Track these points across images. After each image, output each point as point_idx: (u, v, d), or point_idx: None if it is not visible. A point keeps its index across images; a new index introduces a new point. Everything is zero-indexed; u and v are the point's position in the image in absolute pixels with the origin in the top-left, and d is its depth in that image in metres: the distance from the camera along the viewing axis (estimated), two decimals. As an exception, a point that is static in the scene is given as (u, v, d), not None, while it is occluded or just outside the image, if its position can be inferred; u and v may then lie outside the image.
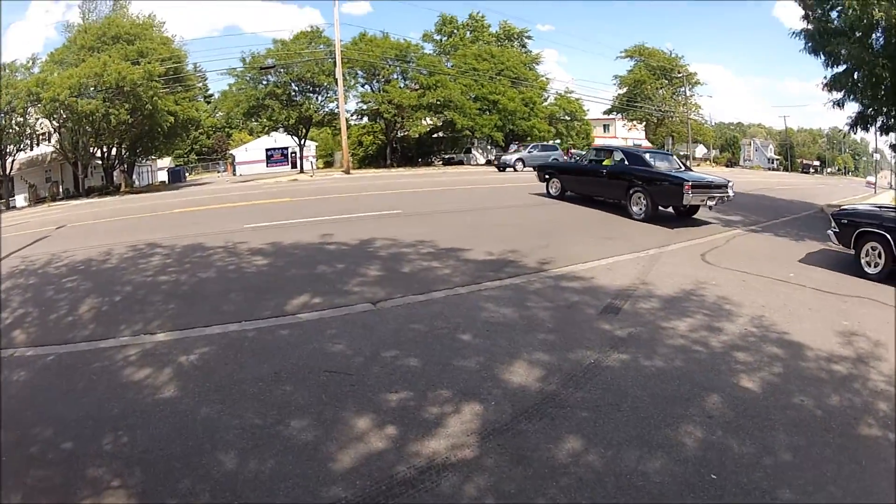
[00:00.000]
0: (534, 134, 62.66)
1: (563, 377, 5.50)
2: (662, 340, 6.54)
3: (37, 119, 48.70)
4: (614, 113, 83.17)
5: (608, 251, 11.46)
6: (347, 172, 47.66)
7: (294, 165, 73.16)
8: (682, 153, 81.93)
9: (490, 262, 10.36)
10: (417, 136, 65.31)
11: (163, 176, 72.48)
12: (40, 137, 52.31)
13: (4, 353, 6.94)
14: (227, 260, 11.34)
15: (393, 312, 7.53)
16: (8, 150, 50.09)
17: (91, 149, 50.19)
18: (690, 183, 15.48)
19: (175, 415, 5.02)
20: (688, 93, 79.68)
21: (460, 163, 64.11)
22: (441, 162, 65.99)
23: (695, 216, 17.61)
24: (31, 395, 5.80)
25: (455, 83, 59.05)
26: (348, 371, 5.67)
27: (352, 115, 62.14)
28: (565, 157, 43.25)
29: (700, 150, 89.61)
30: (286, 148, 75.41)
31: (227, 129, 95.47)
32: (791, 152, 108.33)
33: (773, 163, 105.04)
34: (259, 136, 76.86)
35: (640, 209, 16.56)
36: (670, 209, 17.36)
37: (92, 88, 43.27)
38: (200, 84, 62.38)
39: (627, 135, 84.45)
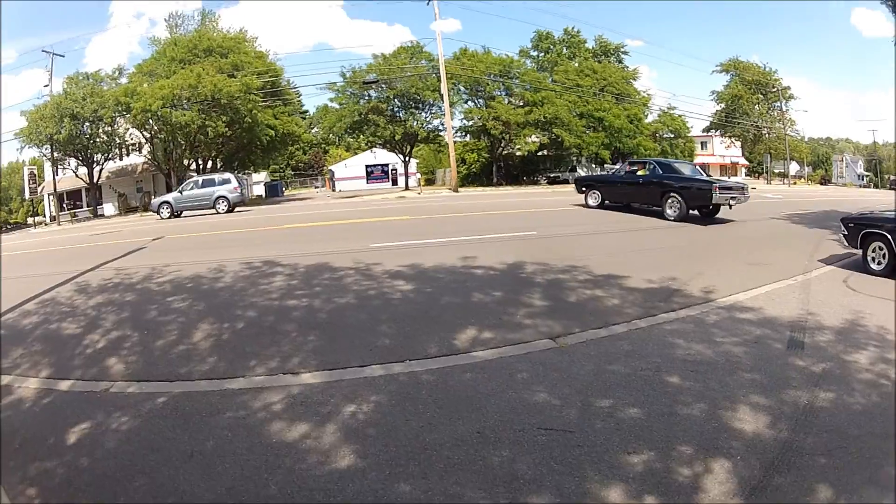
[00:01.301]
0: (639, 152, 61.38)
1: (789, 421, 5.09)
2: (853, 375, 6.16)
3: (126, 129, 50.54)
4: (712, 130, 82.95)
5: (760, 278, 10.84)
6: (455, 190, 46.98)
7: (394, 182, 73.98)
8: (777, 171, 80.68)
9: (654, 292, 9.66)
10: (522, 153, 64.74)
11: (258, 190, 74.84)
12: (130, 147, 54.25)
13: (98, 386, 6.10)
14: (364, 284, 10.15)
15: (580, 350, 6.75)
16: (96, 159, 51.83)
17: (185, 160, 51.48)
18: (718, 185, 18.88)
19: (364, 495, 3.93)
20: (783, 108, 77.56)
21: (565, 182, 62.22)
22: (546, 181, 64.44)
23: (717, 216, 20.35)
24: (136, 454, 4.57)
25: (560, 99, 58.41)
26: (567, 428, 4.90)
27: (455, 132, 61.24)
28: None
29: (793, 168, 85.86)
30: (386, 164, 76.61)
31: (322, 145, 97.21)
32: (879, 167, 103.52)
33: (863, 179, 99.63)
34: (357, 153, 77.71)
35: (674, 211, 19.40)
36: (695, 211, 19.87)
37: (186, 100, 44.30)
38: (295, 100, 62.99)
39: (725, 152, 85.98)
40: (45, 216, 64.42)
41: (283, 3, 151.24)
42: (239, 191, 34.37)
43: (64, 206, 57.68)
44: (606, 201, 23.07)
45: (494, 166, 63.70)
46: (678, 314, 8.31)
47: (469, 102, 60.26)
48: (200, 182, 35.48)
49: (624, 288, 9.74)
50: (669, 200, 19.49)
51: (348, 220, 22.30)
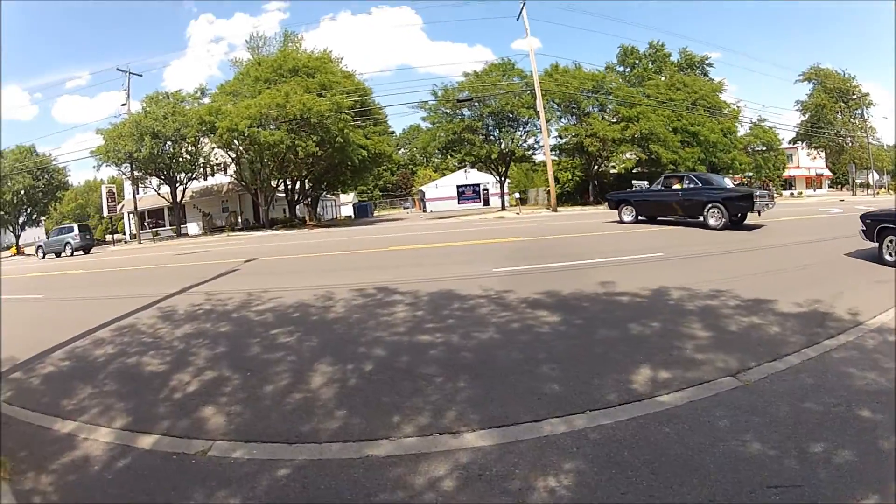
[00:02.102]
0: (735, 166, 60.55)
1: None
2: None
3: (212, 148, 51.47)
4: (798, 142, 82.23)
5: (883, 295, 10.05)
6: (554, 210, 45.86)
7: (486, 202, 73.92)
8: (859, 182, 79.95)
9: (806, 316, 8.83)
10: (619, 171, 62.89)
11: (346, 211, 75.65)
12: (215, 168, 55.23)
13: (191, 446, 4.95)
14: (503, 315, 8.79)
15: (767, 388, 6.08)
16: (179, 178, 52.78)
17: (273, 181, 51.90)
18: (757, 194, 20.99)
19: None
20: (864, 115, 75.06)
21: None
22: None
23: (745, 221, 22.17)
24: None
25: (655, 114, 57.32)
26: (794, 482, 4.31)
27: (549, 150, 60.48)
28: None
29: (873, 177, 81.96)
30: (478, 185, 76.82)
31: (410, 166, 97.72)
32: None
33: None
34: (445, 174, 77.50)
35: (718, 221, 21.09)
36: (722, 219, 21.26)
37: (274, 119, 44.54)
38: (384, 120, 63.09)
39: (811, 164, 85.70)
40: (125, 234, 65.93)
41: (364, 25, 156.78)
42: (80, 239, 43.78)
43: (145, 224, 59.58)
44: (640, 216, 25.33)
45: (591, 185, 62.41)
46: (838, 340, 7.68)
47: (563, 119, 59.72)
48: (55, 231, 47.83)
49: (777, 313, 8.94)
50: (713, 211, 21.41)
51: (454, 243, 21.24)
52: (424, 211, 77.15)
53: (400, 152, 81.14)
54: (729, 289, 10.40)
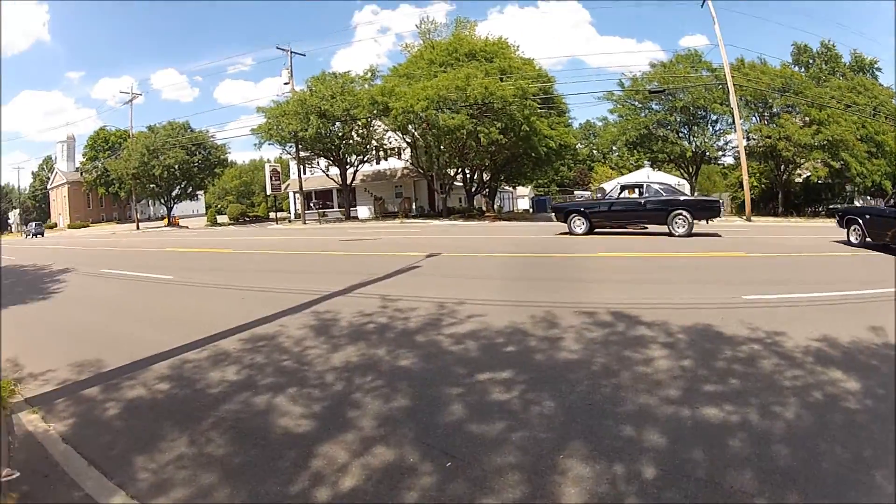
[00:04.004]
0: None
1: None
2: None
3: (385, 131, 50.99)
4: None
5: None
6: (748, 219, 40.87)
7: None
8: None
9: None
10: (813, 180, 58.04)
11: (522, 204, 73.90)
12: (388, 151, 54.99)
13: None
14: (794, 374, 5.97)
15: None
16: (349, 160, 53.39)
17: (451, 169, 50.49)
18: (720, 201, 26.09)
19: None
20: None
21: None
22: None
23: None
24: None
25: (844, 119, 50.90)
26: None
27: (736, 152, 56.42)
28: None
29: None
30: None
31: (588, 162, 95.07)
32: None
33: None
34: (622, 172, 73.97)
35: (683, 228, 22.25)
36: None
37: (453, 102, 42.51)
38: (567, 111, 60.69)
39: None
40: (289, 213, 66.78)
41: (531, 19, 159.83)
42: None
43: (311, 205, 61.10)
44: (595, 227, 24.78)
45: (780, 193, 57.27)
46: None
47: (753, 118, 55.33)
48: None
49: None
50: (678, 218, 22.55)
51: (658, 253, 17.45)
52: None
53: (577, 147, 78.61)
54: None
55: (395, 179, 57.90)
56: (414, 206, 54.74)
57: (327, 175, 56.17)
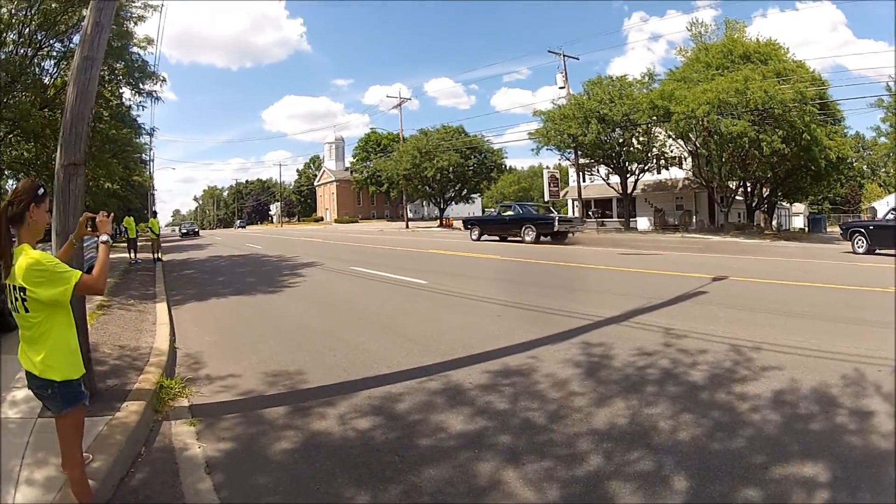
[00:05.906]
0: None
1: None
2: None
3: (666, 138, 49.09)
4: None
5: None
6: None
7: None
8: None
9: None
10: None
11: (798, 222, 69.85)
12: (669, 161, 53.09)
13: None
14: None
15: None
16: (630, 168, 52.38)
17: (732, 181, 47.87)
18: (557, 218, 32.60)
19: None
20: None
21: None
22: None
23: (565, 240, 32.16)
24: None
25: None
26: None
27: None
28: None
29: None
30: None
31: (858, 178, 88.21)
32: None
33: None
34: (890, 191, 66.87)
35: (531, 237, 31.65)
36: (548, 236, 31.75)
37: (733, 107, 39.77)
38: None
39: None
40: (569, 219, 67.47)
41: (790, 21, 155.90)
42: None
43: (590, 213, 60.45)
44: (484, 235, 35.21)
45: None
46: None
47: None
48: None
49: None
50: (526, 230, 31.92)
51: None
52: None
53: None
54: None
55: (675, 190, 55.93)
56: (694, 220, 52.64)
57: (607, 183, 55.10)
